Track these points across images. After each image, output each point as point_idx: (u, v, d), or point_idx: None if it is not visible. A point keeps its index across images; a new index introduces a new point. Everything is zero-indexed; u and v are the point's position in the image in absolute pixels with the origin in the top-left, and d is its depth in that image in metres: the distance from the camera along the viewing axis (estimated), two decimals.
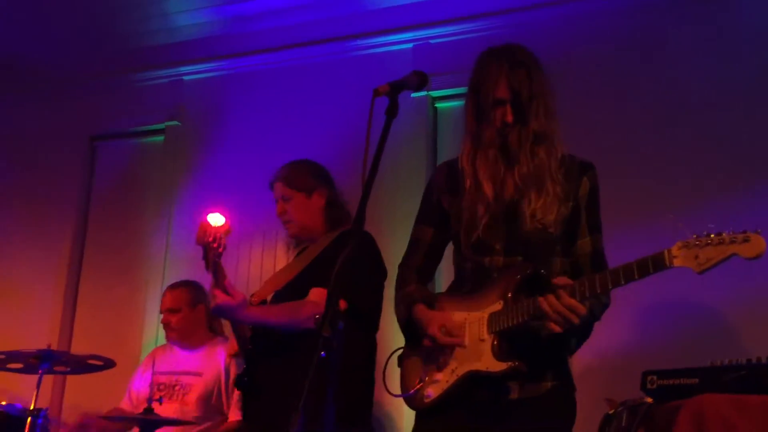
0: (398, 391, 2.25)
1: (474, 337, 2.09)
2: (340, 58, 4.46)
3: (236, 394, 3.36)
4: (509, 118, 2.14)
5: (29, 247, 4.85)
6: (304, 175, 2.97)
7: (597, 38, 3.90)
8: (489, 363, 2.04)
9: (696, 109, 3.62)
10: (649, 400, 2.45)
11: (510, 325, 2.02)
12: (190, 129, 4.74)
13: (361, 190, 1.86)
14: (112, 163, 4.97)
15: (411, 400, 2.18)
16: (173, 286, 3.81)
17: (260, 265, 4.20)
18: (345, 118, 4.12)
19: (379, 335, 2.88)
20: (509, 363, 2.00)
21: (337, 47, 4.48)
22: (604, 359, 3.45)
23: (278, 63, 4.62)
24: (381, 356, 2.76)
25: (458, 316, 2.15)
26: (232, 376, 3.47)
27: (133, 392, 3.73)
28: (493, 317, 2.07)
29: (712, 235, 1.77)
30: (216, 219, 2.62)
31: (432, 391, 2.13)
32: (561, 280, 1.98)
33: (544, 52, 3.89)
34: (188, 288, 3.75)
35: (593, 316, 2.08)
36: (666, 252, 1.83)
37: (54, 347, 3.53)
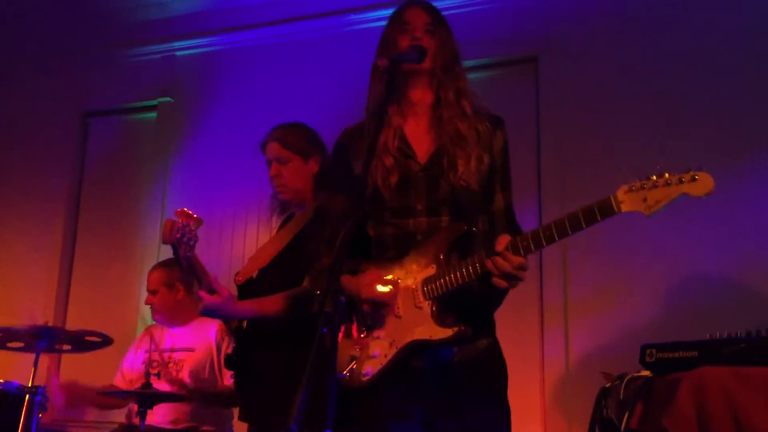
0: None
1: (409, 305, 1.97)
2: (334, 33, 4.43)
3: (228, 372, 3.38)
4: (419, 34, 2.07)
5: (22, 224, 4.83)
6: (302, 139, 2.87)
7: (586, 14, 3.89)
8: (432, 331, 1.93)
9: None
10: (647, 373, 2.46)
11: (447, 288, 1.93)
12: (182, 105, 4.71)
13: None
14: (104, 140, 4.94)
15: (349, 382, 1.99)
16: (153, 267, 3.83)
17: (255, 242, 4.19)
18: (339, 93, 4.07)
19: None
20: (455, 328, 1.91)
21: (331, 22, 4.45)
22: (600, 333, 3.48)
23: (271, 38, 4.58)
24: None
25: (386, 285, 2.01)
26: (224, 350, 3.50)
27: (125, 370, 3.74)
28: (426, 282, 1.96)
29: (655, 177, 1.70)
30: (182, 214, 2.58)
31: (370, 368, 1.97)
32: (504, 238, 1.87)
33: (544, 24, 3.90)
34: (164, 269, 3.74)
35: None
36: (612, 198, 1.73)
37: (50, 324, 3.52)
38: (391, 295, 2.00)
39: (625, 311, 3.44)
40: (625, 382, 2.51)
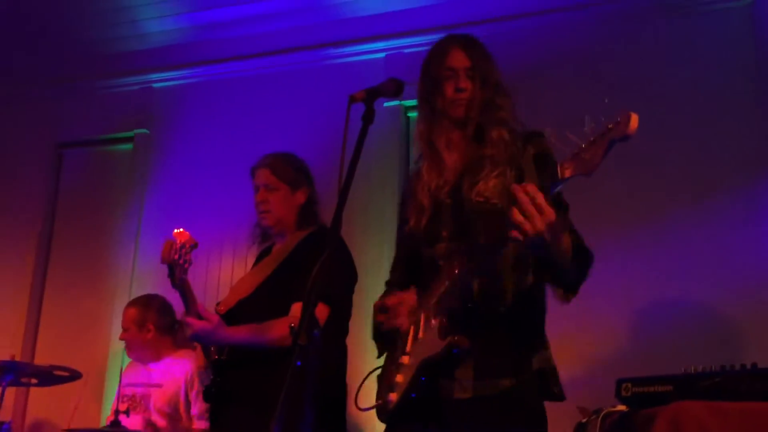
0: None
1: (426, 327, 1.98)
2: (311, 67, 4.45)
3: (203, 406, 3.33)
4: (463, 84, 2.13)
5: None
6: (293, 169, 2.93)
7: (568, 47, 3.94)
8: (434, 345, 1.89)
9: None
10: (623, 407, 2.45)
11: (455, 297, 1.90)
12: (158, 137, 4.69)
13: (336, 196, 1.82)
14: (79, 171, 4.90)
15: (380, 412, 2.04)
16: (129, 304, 3.80)
17: (230, 273, 4.16)
18: (315, 126, 4.10)
19: (353, 348, 2.85)
20: (447, 339, 1.86)
21: (308, 56, 4.47)
22: (576, 367, 3.46)
23: (249, 71, 4.60)
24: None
25: (416, 312, 2.04)
26: (196, 387, 3.46)
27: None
28: (440, 299, 1.96)
29: (582, 144, 1.66)
30: (181, 235, 2.59)
31: (394, 395, 1.97)
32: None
33: (518, 60, 3.94)
34: (137, 308, 3.71)
35: (579, 252, 1.93)
36: (558, 165, 1.70)
37: (17, 358, 3.45)
38: (414, 321, 2.01)
39: (601, 345, 3.44)
40: (601, 417, 2.48)
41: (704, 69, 3.68)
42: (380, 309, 2.08)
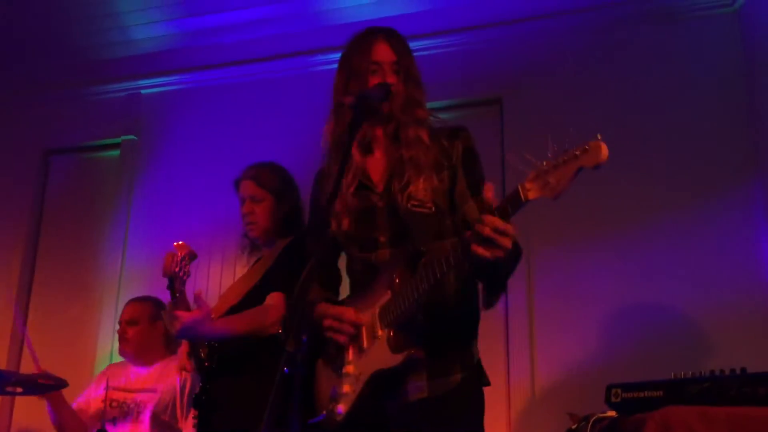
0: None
1: (370, 337, 1.97)
2: (300, 73, 4.44)
3: (191, 414, 3.31)
4: (390, 79, 2.07)
5: None
6: (277, 179, 2.93)
7: (555, 54, 3.95)
8: (387, 359, 1.90)
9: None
10: (613, 413, 2.45)
11: (401, 310, 1.89)
12: (146, 143, 4.66)
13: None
14: (66, 178, 4.85)
15: (327, 423, 1.99)
16: (136, 299, 3.75)
17: (219, 280, 4.14)
18: (304, 133, 4.06)
19: None
20: (404, 352, 1.88)
21: (297, 62, 4.46)
22: (566, 372, 3.46)
23: (237, 78, 4.58)
24: None
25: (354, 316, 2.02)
26: (187, 393, 3.42)
27: (81, 405, 3.61)
28: (383, 310, 1.95)
29: (553, 157, 1.63)
30: (182, 248, 2.60)
31: (342, 407, 1.97)
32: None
33: (506, 67, 3.95)
34: (151, 303, 3.69)
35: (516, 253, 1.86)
36: (520, 187, 1.68)
37: (2, 367, 3.42)
38: (357, 326, 1.99)
39: (591, 351, 3.44)
40: (591, 422, 2.49)
41: (693, 74, 3.69)
42: (333, 317, 2.03)
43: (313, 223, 2.30)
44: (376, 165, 2.13)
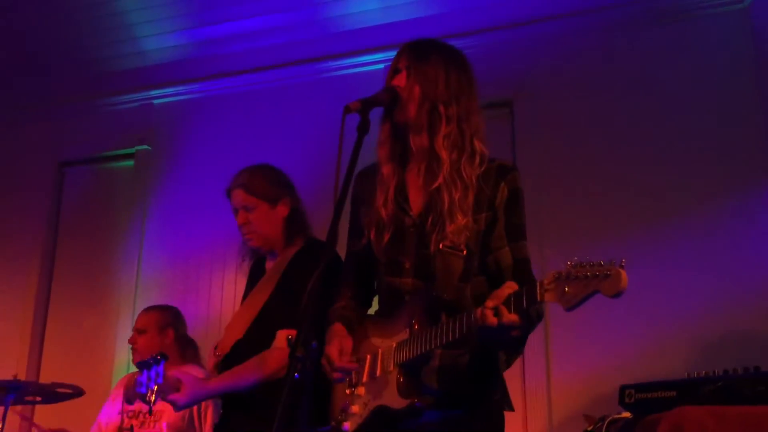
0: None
1: (385, 368, 1.94)
2: (311, 80, 4.46)
3: (209, 422, 3.31)
4: (397, 82, 2.02)
5: None
6: (267, 183, 2.75)
7: (565, 56, 3.94)
8: (392, 398, 1.88)
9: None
10: (627, 414, 2.44)
11: (413, 355, 1.87)
12: (160, 153, 4.70)
13: (333, 209, 1.78)
14: (80, 189, 4.91)
15: None
16: (147, 308, 3.75)
17: (234, 289, 4.14)
18: (316, 140, 4.10)
19: None
20: (408, 400, 1.85)
21: (307, 69, 4.48)
22: (581, 375, 3.45)
23: (249, 86, 4.60)
24: None
25: (375, 342, 2.00)
26: (211, 402, 3.41)
27: (102, 424, 3.65)
28: (399, 346, 1.92)
29: (575, 267, 1.57)
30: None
31: (349, 425, 1.96)
32: (501, 292, 1.71)
33: (516, 71, 3.95)
34: (160, 311, 3.68)
35: (530, 322, 1.83)
36: (538, 284, 1.63)
37: (22, 377, 3.45)
38: (373, 355, 1.99)
39: (605, 353, 3.42)
40: (606, 424, 2.48)
41: (705, 72, 3.67)
42: (326, 356, 2.00)
43: (353, 226, 2.20)
44: (414, 183, 2.07)
